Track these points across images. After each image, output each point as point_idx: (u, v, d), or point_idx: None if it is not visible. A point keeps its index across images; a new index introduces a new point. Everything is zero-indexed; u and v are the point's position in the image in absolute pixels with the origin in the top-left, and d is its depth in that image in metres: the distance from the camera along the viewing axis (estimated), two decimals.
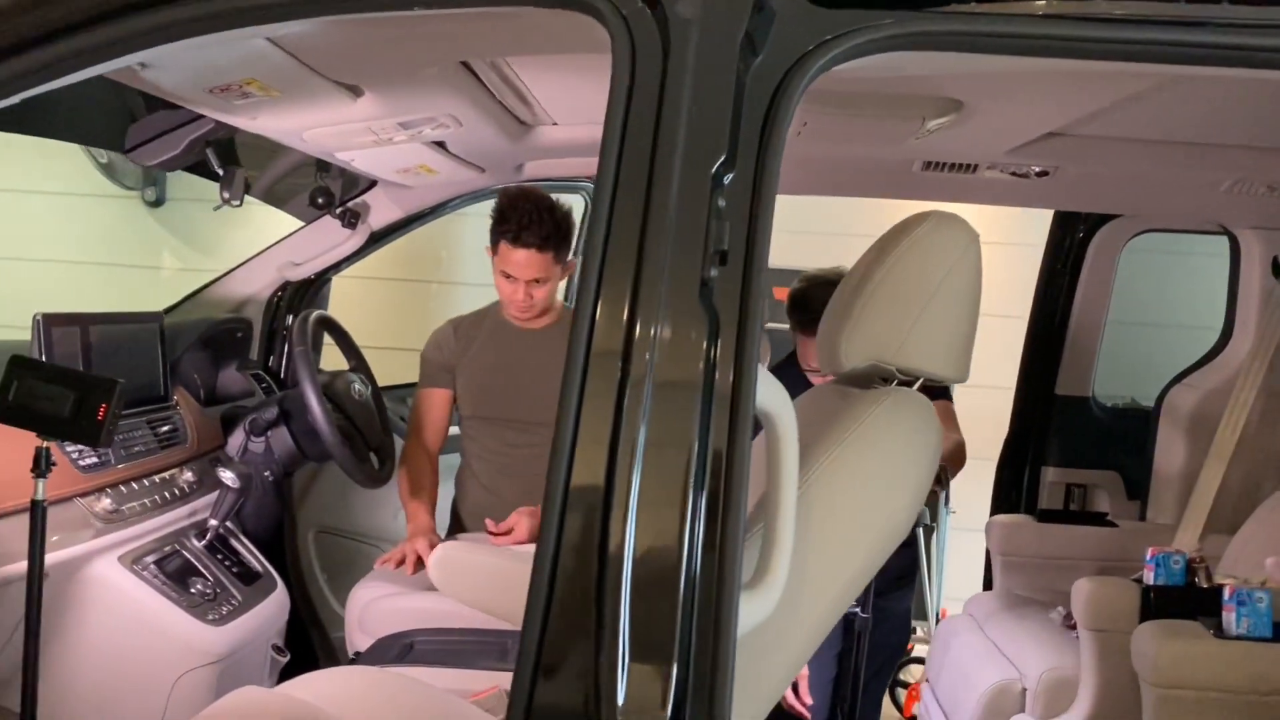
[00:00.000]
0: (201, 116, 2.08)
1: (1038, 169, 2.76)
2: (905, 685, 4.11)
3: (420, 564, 2.49)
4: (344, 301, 4.80)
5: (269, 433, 2.68)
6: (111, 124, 2.15)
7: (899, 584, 3.07)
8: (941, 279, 1.47)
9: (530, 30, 1.49)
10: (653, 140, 1.21)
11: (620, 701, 1.10)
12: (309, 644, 3.10)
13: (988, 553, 3.29)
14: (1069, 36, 1.29)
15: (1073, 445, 3.36)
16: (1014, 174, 2.78)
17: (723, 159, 1.20)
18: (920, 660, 4.10)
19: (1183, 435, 3.12)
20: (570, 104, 2.36)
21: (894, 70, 1.81)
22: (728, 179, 1.21)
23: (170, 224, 6.15)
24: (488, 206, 3.47)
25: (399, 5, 1.30)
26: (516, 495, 2.75)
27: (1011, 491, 3.45)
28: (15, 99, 1.31)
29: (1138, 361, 3.62)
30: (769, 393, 1.22)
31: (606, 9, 1.23)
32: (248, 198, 2.96)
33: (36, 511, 1.67)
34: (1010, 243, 5.04)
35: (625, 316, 1.16)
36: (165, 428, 2.40)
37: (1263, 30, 1.26)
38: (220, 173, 2.29)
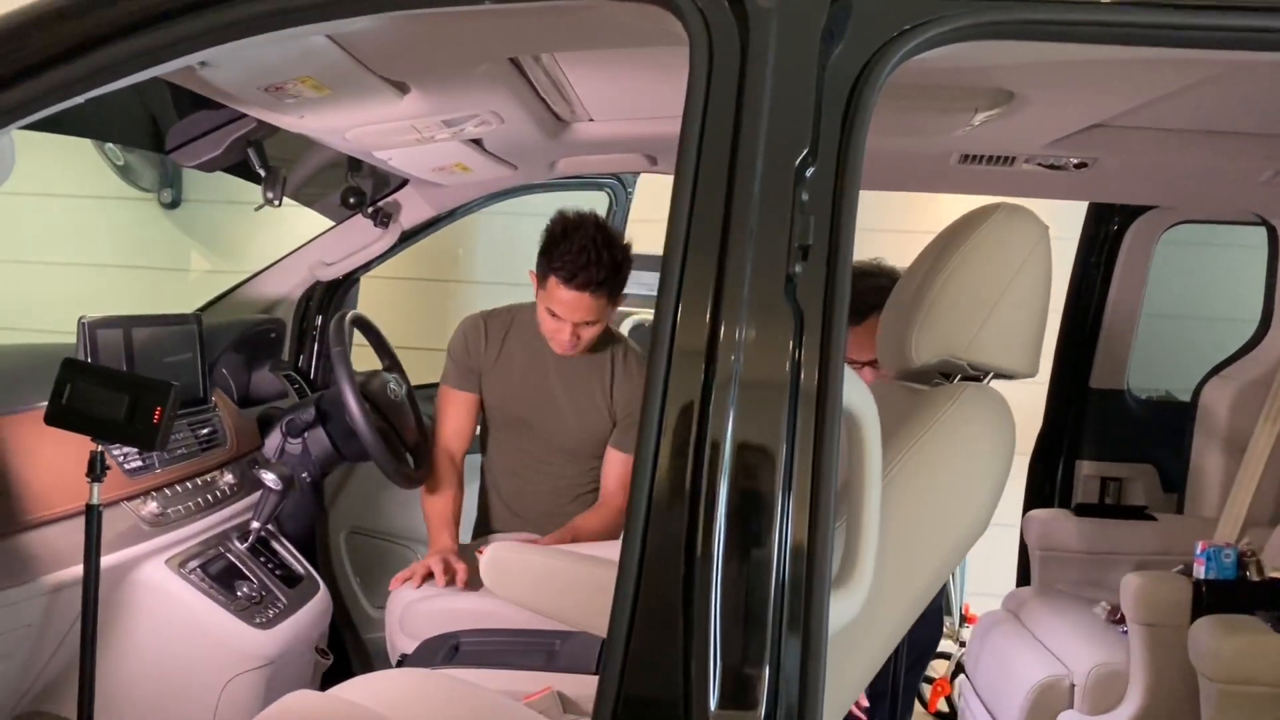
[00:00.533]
0: (243, 116, 2.06)
1: (1076, 161, 2.73)
2: (930, 680, 4.09)
3: (445, 578, 2.43)
4: (363, 301, 4.79)
5: (306, 434, 2.66)
6: (133, 122, 2.13)
7: None
8: (1015, 272, 1.45)
9: (599, 24, 1.46)
10: (733, 134, 1.19)
11: (713, 705, 1.09)
12: (342, 645, 3.09)
13: (1022, 547, 3.27)
14: (1145, 23, 1.27)
15: (1107, 438, 3.33)
16: (1051, 166, 2.76)
17: (805, 152, 1.18)
18: (945, 655, 4.09)
19: (1221, 428, 3.09)
20: (609, 100, 2.34)
21: (951, 61, 1.80)
22: (810, 172, 1.19)
23: (187, 225, 6.15)
24: (510, 205, 3.46)
25: (469, 0, 1.28)
26: (536, 516, 2.73)
27: (1045, 485, 3.43)
28: (80, 99, 1.29)
29: (1174, 354, 3.59)
30: (854, 391, 1.20)
31: (684, 3, 1.21)
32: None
33: (92, 516, 1.66)
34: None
35: (709, 315, 1.14)
36: (205, 430, 2.39)
37: None
38: (262, 173, 2.27)
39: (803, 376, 1.14)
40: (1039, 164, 2.75)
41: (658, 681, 1.12)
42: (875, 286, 2.33)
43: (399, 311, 5.63)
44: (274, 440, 2.68)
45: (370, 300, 5.13)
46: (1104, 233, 3.25)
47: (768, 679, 1.10)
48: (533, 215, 3.98)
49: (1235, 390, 3.07)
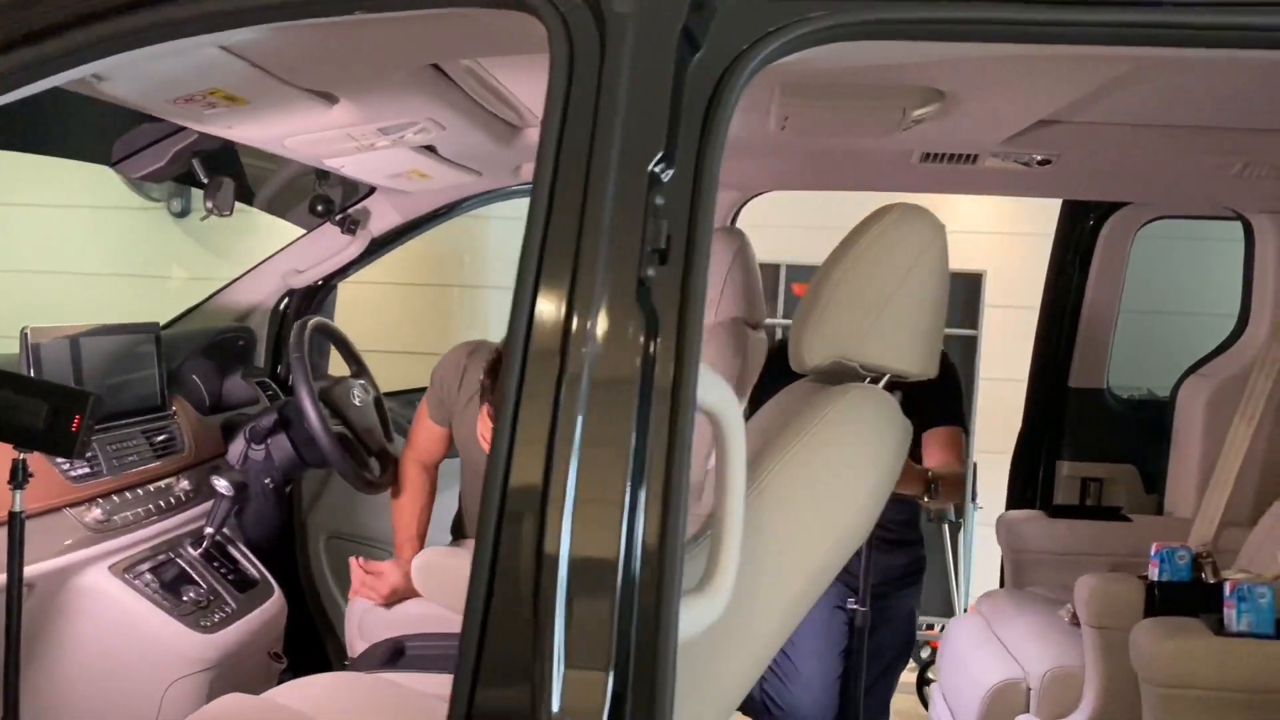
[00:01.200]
0: (185, 128, 2.09)
1: (1039, 158, 2.70)
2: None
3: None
4: (367, 306, 4.83)
5: (269, 440, 2.69)
6: (85, 136, 2.16)
7: (903, 583, 3.02)
8: (905, 273, 1.44)
9: (482, 31, 1.48)
10: (590, 139, 1.19)
11: (555, 708, 1.09)
12: (323, 650, 3.12)
13: None
14: (1019, 20, 1.26)
15: (1087, 438, 3.30)
16: (1016, 163, 2.73)
17: (660, 156, 1.18)
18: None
19: (1199, 427, 3.04)
20: None
21: (869, 60, 1.79)
22: (666, 176, 1.19)
23: (196, 234, 6.24)
24: (509, 208, 3.47)
25: (339, 10, 1.29)
26: None
27: (1026, 487, 3.40)
28: None
29: (1157, 351, 3.54)
30: (714, 391, 1.20)
31: (543, 7, 1.22)
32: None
33: (14, 523, 1.69)
34: (1025, 233, 4.98)
35: (562, 315, 1.15)
36: (161, 437, 2.42)
37: (1246, 8, 1.22)
38: (205, 182, 2.30)
39: (656, 377, 1.14)
40: (1003, 160, 2.74)
41: (507, 687, 1.12)
42: None
43: (404, 316, 5.68)
44: (237, 446, 2.71)
45: (376, 306, 5.19)
46: (1079, 230, 3.21)
47: (611, 683, 1.10)
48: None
49: (1212, 388, 3.03)
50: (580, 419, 1.12)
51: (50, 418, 1.64)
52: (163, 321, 3.30)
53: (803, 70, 1.98)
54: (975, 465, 4.87)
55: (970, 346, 5.01)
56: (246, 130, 2.00)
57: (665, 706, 1.10)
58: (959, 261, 5.61)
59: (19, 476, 1.69)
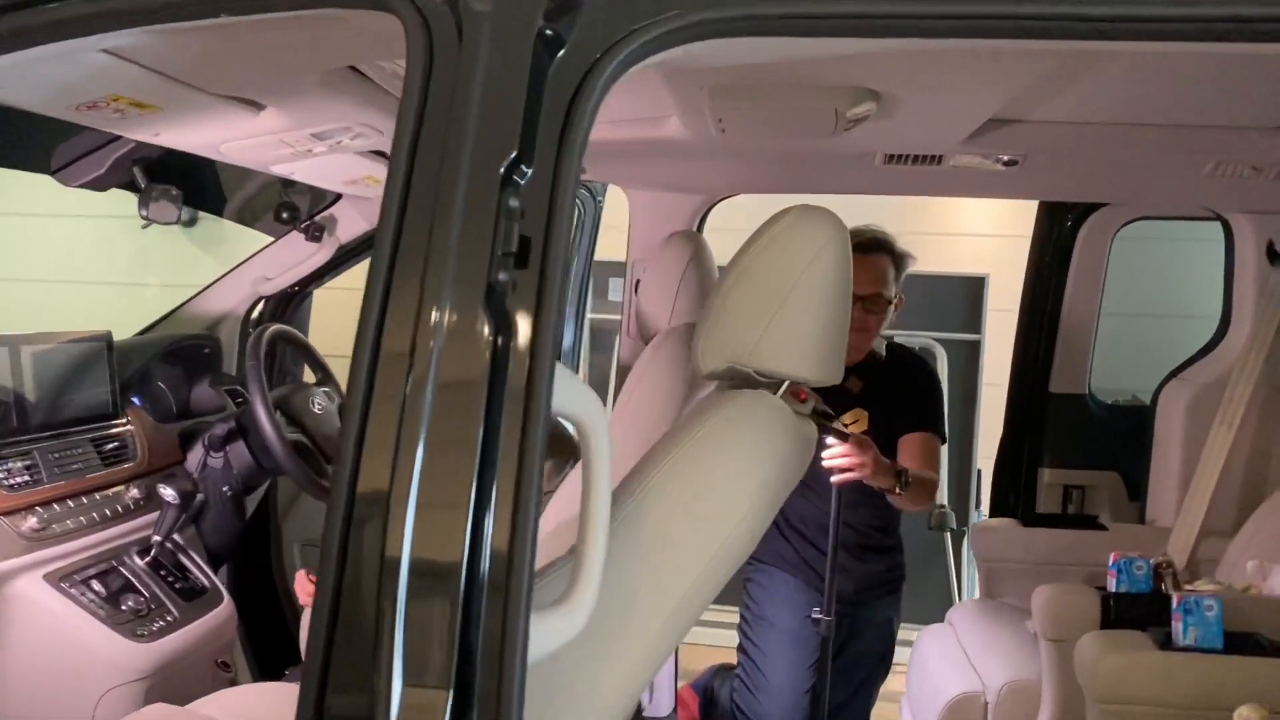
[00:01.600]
0: (121, 136, 2.09)
1: (1005, 158, 2.65)
2: None
3: None
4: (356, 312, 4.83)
5: (227, 447, 2.68)
6: (25, 146, 2.17)
7: (879, 592, 2.95)
8: (799, 275, 1.40)
9: (358, 34, 1.45)
10: (444, 139, 1.17)
11: None
12: (296, 659, 3.11)
13: None
14: (913, 14, 1.22)
15: (1069, 445, 3.22)
16: (982, 164, 2.68)
17: (514, 156, 1.15)
18: None
19: (1180, 433, 2.97)
20: None
21: (778, 56, 1.75)
22: (523, 179, 1.16)
23: (203, 243, 6.28)
24: None
25: (205, 13, 1.28)
26: None
27: (1009, 495, 3.33)
28: None
29: (1142, 355, 3.46)
30: (576, 397, 1.17)
31: (402, 6, 1.19)
32: None
33: None
34: (1028, 236, 4.90)
35: (411, 318, 1.12)
36: (111, 445, 2.42)
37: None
38: (142, 189, 2.30)
39: (509, 381, 1.11)
40: (968, 162, 2.68)
41: (348, 700, 1.09)
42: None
43: None
44: (196, 454, 2.70)
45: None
46: (1057, 231, 3.15)
47: (452, 703, 1.07)
48: None
49: (1193, 393, 2.95)
50: (425, 422, 1.10)
51: None
52: (138, 329, 3.33)
53: (730, 71, 1.94)
54: (979, 472, 4.79)
55: (973, 351, 4.94)
56: (175, 136, 1.99)
57: None
58: (961, 265, 5.53)
59: None
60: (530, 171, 1.17)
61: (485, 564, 1.08)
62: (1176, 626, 1.90)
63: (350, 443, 1.11)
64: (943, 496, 4.53)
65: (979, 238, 5.27)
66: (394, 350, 1.12)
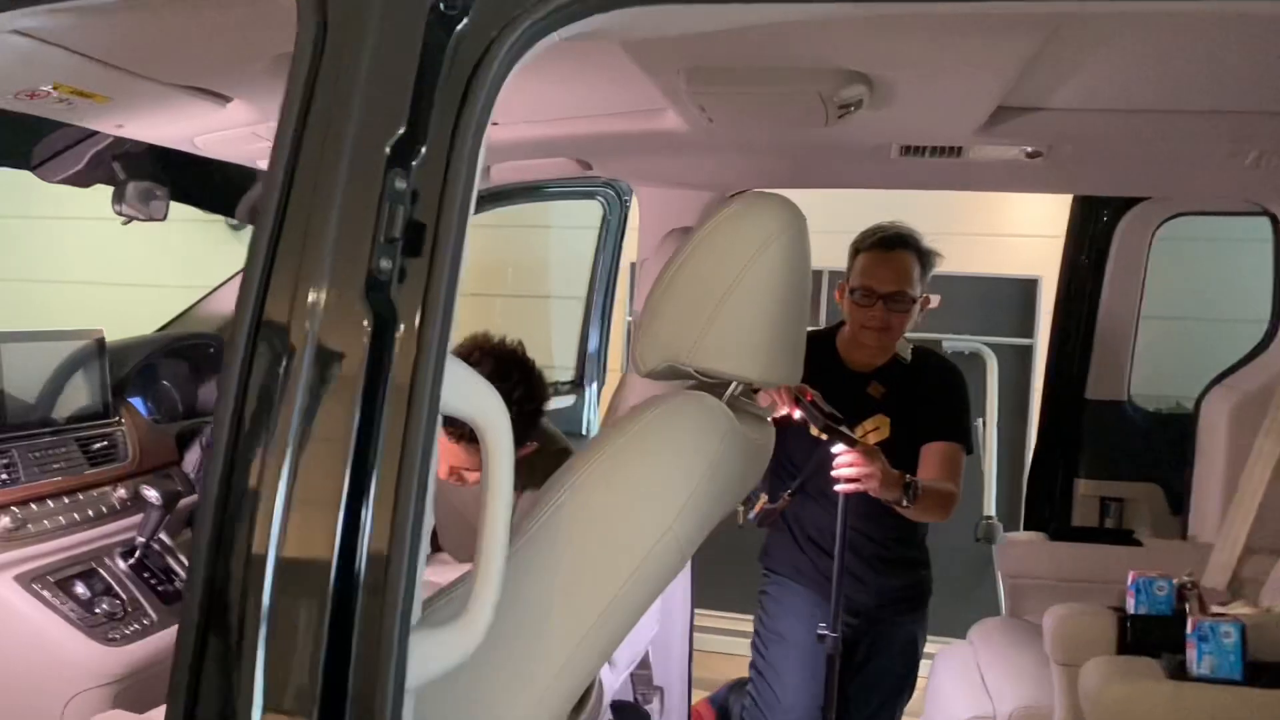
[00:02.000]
0: (98, 132, 2.06)
1: (1028, 150, 2.49)
2: None
3: None
4: None
5: None
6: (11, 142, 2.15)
7: (901, 608, 2.80)
8: (745, 267, 1.29)
9: (289, 14, 1.38)
10: (329, 116, 1.09)
11: None
12: None
13: None
14: None
15: (1107, 455, 3.04)
16: (1004, 156, 2.53)
17: (401, 133, 1.07)
18: None
19: (1223, 442, 2.78)
20: (502, 104, 2.25)
21: (738, 23, 1.63)
22: (413, 159, 1.07)
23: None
24: (567, 217, 3.30)
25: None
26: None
27: (1044, 507, 3.15)
28: None
29: (1184, 360, 3.26)
30: (471, 395, 1.07)
31: None
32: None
33: None
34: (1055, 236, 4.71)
35: (287, 309, 1.05)
36: (100, 445, 2.39)
37: None
38: (120, 183, 2.26)
39: (394, 376, 1.03)
40: (989, 154, 2.53)
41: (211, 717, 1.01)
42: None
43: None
44: (193, 455, 2.67)
45: None
46: (1092, 229, 2.97)
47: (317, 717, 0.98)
48: (575, 228, 3.94)
49: (1238, 400, 2.76)
50: (297, 414, 1.02)
51: None
52: (155, 328, 3.32)
53: (701, 53, 1.83)
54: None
55: (1026, 356, 4.75)
56: (141, 129, 1.95)
57: None
58: (1014, 267, 5.33)
59: None
60: (424, 151, 1.08)
61: (361, 566, 1.00)
62: (1191, 654, 1.74)
63: (224, 431, 1.03)
64: (990, 508, 4.35)
65: (1031, 238, 5.06)
66: (269, 342, 1.05)
